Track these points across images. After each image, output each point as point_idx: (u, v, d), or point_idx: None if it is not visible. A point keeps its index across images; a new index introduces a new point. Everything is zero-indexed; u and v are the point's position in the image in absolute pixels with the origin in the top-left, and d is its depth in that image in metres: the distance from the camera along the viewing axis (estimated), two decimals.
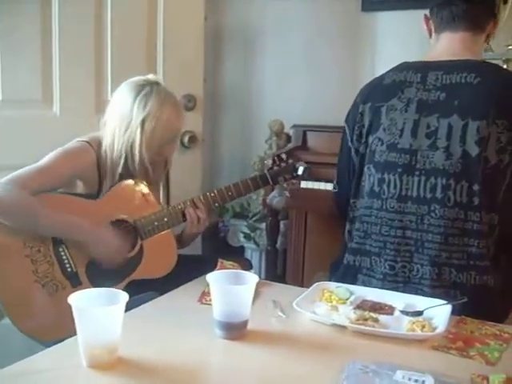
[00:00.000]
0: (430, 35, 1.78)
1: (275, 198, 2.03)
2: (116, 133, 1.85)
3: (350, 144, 1.79)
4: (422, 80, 1.65)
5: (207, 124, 3.08)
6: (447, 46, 1.71)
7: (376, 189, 1.67)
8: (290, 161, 1.96)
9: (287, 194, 2.00)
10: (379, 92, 1.73)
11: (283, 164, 1.95)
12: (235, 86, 3.44)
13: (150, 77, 1.93)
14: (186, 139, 2.69)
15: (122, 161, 1.86)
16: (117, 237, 1.80)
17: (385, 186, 1.65)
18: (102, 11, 2.48)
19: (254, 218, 3.16)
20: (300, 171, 1.94)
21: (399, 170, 1.63)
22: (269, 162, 1.96)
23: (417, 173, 1.61)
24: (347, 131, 1.81)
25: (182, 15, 2.65)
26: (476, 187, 1.56)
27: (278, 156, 1.97)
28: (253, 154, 3.25)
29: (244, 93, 3.43)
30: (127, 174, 1.89)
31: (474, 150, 1.55)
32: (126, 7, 2.52)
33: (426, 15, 1.77)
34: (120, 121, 1.85)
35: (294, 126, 2.90)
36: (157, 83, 1.89)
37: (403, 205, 1.62)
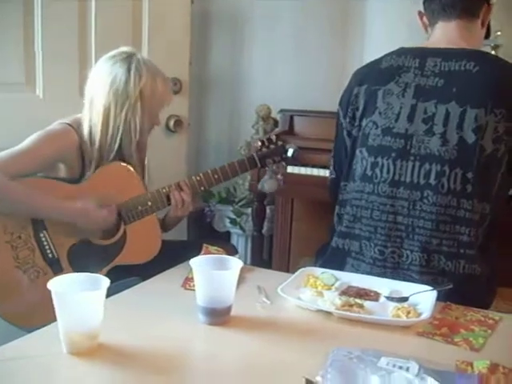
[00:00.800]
0: (426, 30, 1.77)
1: (266, 181, 1.99)
2: (111, 111, 1.81)
3: (344, 126, 1.78)
4: (420, 66, 1.64)
5: (193, 108, 3.05)
6: (443, 34, 1.70)
7: (368, 173, 1.66)
8: (280, 142, 1.93)
9: (279, 177, 1.97)
10: (376, 75, 1.71)
11: (272, 146, 1.93)
12: (222, 70, 3.41)
13: (126, 48, 1.89)
14: (171, 123, 2.67)
15: (118, 139, 1.82)
16: (98, 206, 1.77)
17: (377, 170, 1.64)
18: None
19: (240, 204, 3.15)
20: (290, 153, 1.92)
21: (393, 154, 1.62)
22: (257, 143, 1.93)
23: (411, 158, 1.60)
24: (340, 113, 1.79)
25: None
26: (470, 175, 1.55)
27: (268, 138, 1.94)
28: (240, 138, 3.24)
29: (231, 77, 3.40)
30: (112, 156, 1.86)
31: (470, 138, 1.55)
32: None
33: (419, 12, 1.77)
34: (114, 98, 1.80)
35: (282, 111, 2.88)
36: (136, 53, 1.87)
37: (395, 190, 1.61)
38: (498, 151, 1.56)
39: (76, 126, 1.83)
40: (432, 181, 1.57)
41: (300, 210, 2.82)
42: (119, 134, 1.82)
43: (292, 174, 2.47)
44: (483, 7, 1.70)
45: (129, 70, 1.81)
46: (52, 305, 1.15)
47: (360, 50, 3.04)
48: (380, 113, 1.66)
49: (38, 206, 1.74)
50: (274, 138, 1.93)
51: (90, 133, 1.83)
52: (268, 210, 2.92)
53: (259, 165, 1.92)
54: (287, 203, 2.83)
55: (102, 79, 1.83)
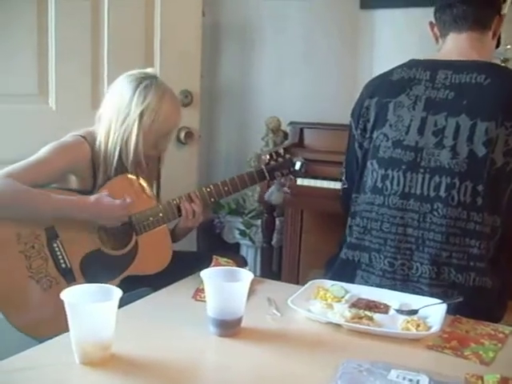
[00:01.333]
0: (437, 41, 1.78)
1: (273, 193, 2.01)
2: (112, 125, 1.84)
3: (356, 138, 1.78)
4: (431, 78, 1.65)
5: (204, 120, 3.07)
6: (454, 46, 1.70)
7: (379, 185, 1.67)
8: (288, 156, 1.96)
9: (286, 189, 1.99)
10: (387, 87, 1.72)
11: (280, 159, 1.95)
12: (232, 82, 3.43)
13: (149, 70, 1.93)
14: (182, 135, 2.68)
15: (117, 154, 1.84)
16: (111, 198, 1.78)
17: (388, 183, 1.65)
18: (99, 5, 2.46)
19: (249, 215, 3.16)
20: (297, 166, 1.94)
21: (403, 166, 1.63)
22: (266, 157, 1.95)
23: (421, 170, 1.61)
24: (353, 125, 1.80)
25: (180, 11, 2.64)
26: (480, 188, 1.55)
27: (276, 151, 1.96)
28: (249, 150, 3.24)
29: (241, 89, 3.42)
30: (121, 169, 1.88)
31: (481, 151, 1.55)
32: (124, 1, 2.51)
33: (430, 22, 1.77)
34: (117, 113, 1.84)
35: (291, 123, 2.89)
36: (156, 77, 1.89)
37: (405, 202, 1.62)
38: (509, 165, 1.56)
39: (89, 139, 1.86)
40: (442, 193, 1.58)
41: (309, 222, 2.82)
42: (116, 151, 1.84)
43: (302, 186, 2.48)
44: (495, 18, 1.71)
45: (136, 89, 1.83)
46: (64, 315, 1.16)
47: (370, 61, 3.05)
48: (391, 125, 1.67)
49: (53, 202, 1.74)
50: (281, 151, 1.96)
51: (100, 145, 1.86)
52: (277, 222, 2.93)
53: (268, 177, 1.95)
54: (297, 215, 2.84)
55: (113, 94, 1.88)
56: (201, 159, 2.96)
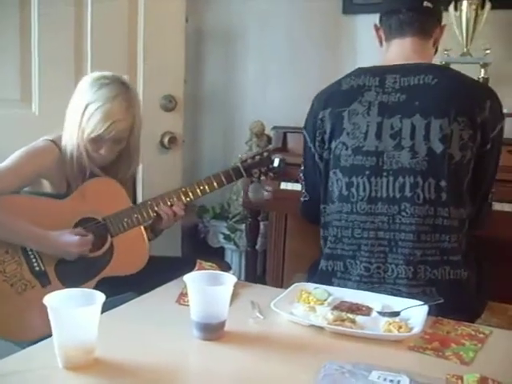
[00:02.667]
0: (381, 43, 1.81)
1: (251, 189, 2.01)
2: (70, 122, 1.85)
3: (313, 151, 1.80)
4: (380, 84, 1.68)
5: (188, 125, 3.07)
6: (398, 51, 1.74)
7: (345, 193, 1.68)
8: (266, 153, 1.96)
9: (268, 188, 1.99)
10: (338, 97, 1.74)
11: (258, 156, 1.96)
12: (216, 87, 3.44)
13: (118, 75, 1.91)
14: (166, 140, 2.69)
15: (75, 152, 1.83)
16: (71, 235, 1.77)
17: (353, 190, 1.66)
18: (82, 11, 2.46)
19: (234, 219, 3.17)
20: (276, 163, 1.95)
21: (367, 172, 1.65)
22: (243, 155, 1.97)
23: (385, 174, 1.63)
24: (307, 138, 1.82)
25: (163, 16, 2.65)
26: (443, 183, 1.59)
27: (256, 151, 1.98)
28: (233, 155, 3.24)
29: (225, 94, 3.43)
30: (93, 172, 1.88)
31: (438, 148, 1.59)
32: (107, 7, 2.51)
33: (375, 25, 1.81)
34: (71, 107, 1.86)
35: (275, 128, 2.90)
36: (121, 81, 1.87)
37: (374, 206, 1.64)
38: (465, 157, 1.61)
39: (59, 143, 1.86)
40: (407, 193, 1.61)
41: (294, 226, 2.84)
42: (74, 148, 1.84)
43: (286, 190, 2.49)
44: (437, 28, 1.76)
45: (92, 84, 1.83)
46: (40, 318, 1.16)
47: (352, 65, 2.99)
48: (348, 133, 1.68)
49: (16, 231, 1.75)
50: (260, 150, 1.96)
51: (66, 146, 1.86)
52: (262, 226, 2.93)
53: (244, 174, 1.95)
54: (281, 219, 2.85)
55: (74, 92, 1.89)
56: (185, 164, 2.97)
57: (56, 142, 1.86)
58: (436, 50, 1.84)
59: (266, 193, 1.99)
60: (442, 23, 1.78)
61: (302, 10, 3.18)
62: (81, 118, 1.81)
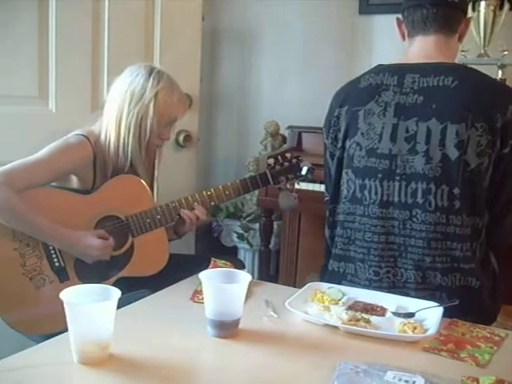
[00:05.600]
0: (404, 38, 1.76)
1: (283, 199, 1.95)
2: (124, 108, 1.84)
3: (326, 147, 1.79)
4: (398, 83, 1.64)
5: (203, 123, 3.08)
6: (421, 48, 1.69)
7: (358, 195, 1.66)
8: (294, 160, 1.93)
9: (294, 194, 1.95)
10: (356, 95, 1.71)
11: (286, 163, 1.93)
12: (232, 86, 3.45)
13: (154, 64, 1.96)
14: (181, 138, 2.69)
15: (131, 137, 1.84)
16: (93, 237, 1.77)
17: (366, 192, 1.64)
18: (99, 9, 2.47)
19: (247, 218, 3.17)
20: (304, 171, 1.91)
21: (379, 175, 1.62)
22: (270, 160, 1.92)
23: (397, 178, 1.60)
24: (324, 134, 1.80)
25: (180, 15, 2.66)
26: (456, 191, 1.55)
27: (282, 155, 1.93)
28: (248, 154, 3.26)
29: (240, 93, 3.44)
30: (120, 169, 1.89)
31: (453, 154, 1.55)
32: (124, 5, 2.52)
33: (398, 19, 1.76)
34: (130, 96, 1.84)
35: (290, 127, 2.90)
36: (160, 68, 1.93)
37: (385, 210, 1.62)
38: (483, 165, 1.56)
39: (91, 138, 1.86)
40: (419, 199, 1.57)
41: (307, 226, 2.83)
42: (130, 135, 1.84)
43: (300, 190, 2.48)
44: (462, 22, 1.70)
45: (150, 74, 1.86)
46: (57, 313, 1.17)
47: (368, 66, 3.01)
48: (362, 133, 1.65)
49: (40, 228, 1.75)
50: (288, 155, 1.92)
51: (105, 139, 1.86)
52: (275, 226, 2.94)
53: (271, 182, 1.92)
54: (294, 219, 2.85)
55: (123, 80, 1.88)
56: (199, 162, 2.98)
57: (89, 138, 1.86)
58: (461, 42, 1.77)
59: (295, 200, 1.94)
60: (467, 16, 1.71)
61: (318, 9, 3.18)
62: (153, 106, 1.83)
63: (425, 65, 1.64)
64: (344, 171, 1.71)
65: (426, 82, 1.61)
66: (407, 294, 1.58)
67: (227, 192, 1.91)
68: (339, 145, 1.73)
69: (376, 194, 1.62)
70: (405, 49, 1.76)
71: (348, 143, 1.69)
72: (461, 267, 1.57)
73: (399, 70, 1.66)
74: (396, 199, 1.60)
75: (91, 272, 1.79)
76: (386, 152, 1.61)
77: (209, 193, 1.90)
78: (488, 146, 1.55)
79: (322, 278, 1.80)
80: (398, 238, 1.61)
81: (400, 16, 1.75)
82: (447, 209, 1.56)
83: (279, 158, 1.93)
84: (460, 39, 1.74)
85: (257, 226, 3.02)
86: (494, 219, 1.64)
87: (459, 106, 1.56)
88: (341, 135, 1.72)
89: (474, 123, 1.54)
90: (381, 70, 1.70)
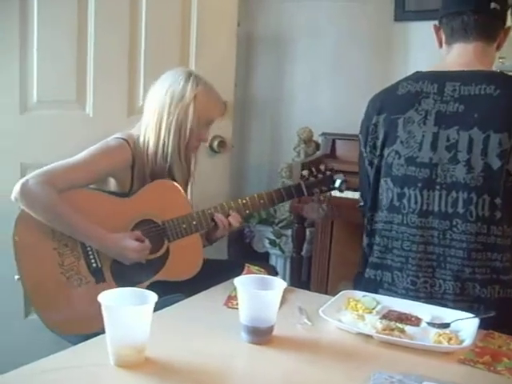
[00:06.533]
0: (441, 45, 1.74)
1: (311, 210, 1.97)
2: (165, 109, 1.87)
3: (364, 155, 1.77)
4: (438, 91, 1.62)
5: (236, 129, 3.09)
6: (460, 55, 1.67)
7: (396, 203, 1.65)
8: (328, 172, 1.94)
9: (324, 206, 1.96)
10: (394, 103, 1.70)
11: (320, 175, 1.94)
12: (265, 92, 3.46)
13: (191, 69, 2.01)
14: (215, 144, 2.71)
15: (171, 139, 1.87)
16: (130, 239, 1.79)
17: (405, 201, 1.63)
18: (136, 14, 2.51)
19: (280, 225, 3.17)
20: (337, 184, 1.92)
21: (419, 184, 1.61)
22: (305, 172, 1.93)
23: (437, 187, 1.59)
24: (361, 142, 1.78)
25: (216, 20, 2.68)
26: (498, 201, 1.53)
27: (316, 167, 1.94)
28: (281, 160, 3.27)
29: (274, 99, 3.44)
30: (158, 173, 1.91)
31: (495, 163, 1.53)
32: (160, 12, 2.55)
33: (435, 25, 1.74)
34: (170, 97, 1.88)
35: (323, 134, 2.90)
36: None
37: (425, 220, 1.60)
38: None
39: (130, 141, 1.89)
40: (460, 209, 1.56)
41: (340, 233, 2.82)
42: (170, 138, 1.87)
43: (333, 197, 2.48)
44: (501, 31, 1.68)
45: (189, 77, 1.90)
46: (92, 313, 1.19)
47: (403, 73, 3.01)
48: (402, 142, 1.64)
49: (78, 229, 1.78)
50: (322, 167, 1.93)
51: (144, 141, 1.89)
52: (308, 232, 2.93)
53: (305, 194, 1.94)
54: (327, 226, 2.84)
55: (162, 84, 1.92)
56: (233, 168, 2.99)
57: (128, 141, 1.89)
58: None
59: (323, 212, 1.95)
60: (506, 25, 1.70)
61: (352, 16, 3.18)
62: (193, 108, 1.87)
63: (464, 72, 1.62)
64: (383, 179, 1.70)
65: (467, 90, 1.59)
66: (445, 305, 1.56)
67: (262, 201, 1.93)
68: (377, 153, 1.72)
69: (416, 203, 1.61)
70: (442, 55, 1.74)
71: (386, 151, 1.68)
72: (500, 279, 1.55)
73: (439, 78, 1.65)
74: (436, 209, 1.59)
75: (127, 274, 1.81)
76: (427, 161, 1.60)
77: (244, 201, 1.92)
78: None
79: (357, 285, 1.79)
80: (438, 248, 1.59)
81: (437, 23, 1.74)
82: (488, 219, 1.54)
83: (313, 169, 1.94)
84: (498, 48, 1.72)
85: (289, 232, 3.02)
86: None
87: (502, 114, 1.54)
88: (379, 143, 1.70)
89: None
90: (419, 77, 1.69)
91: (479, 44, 1.66)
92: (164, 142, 1.88)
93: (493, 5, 1.62)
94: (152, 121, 1.89)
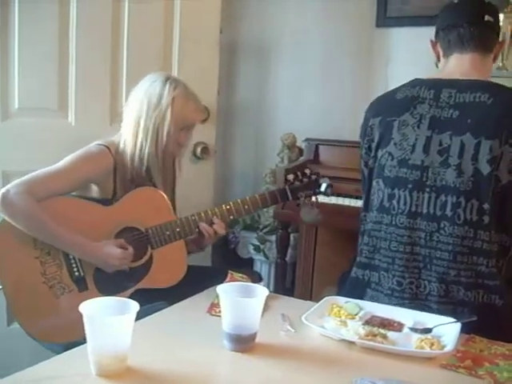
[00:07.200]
0: (439, 59, 1.78)
1: (308, 212, 1.97)
2: (143, 114, 1.87)
3: (362, 157, 1.80)
4: (434, 97, 1.66)
5: (220, 136, 3.10)
6: (457, 65, 1.71)
7: (386, 204, 1.67)
8: (314, 176, 1.95)
9: (315, 208, 1.96)
10: (391, 106, 1.73)
11: (305, 179, 1.94)
12: (249, 98, 3.47)
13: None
14: (198, 150, 2.71)
15: (148, 143, 1.86)
16: (113, 246, 1.79)
17: (395, 202, 1.65)
18: (118, 22, 2.51)
19: (264, 230, 3.17)
20: (323, 188, 1.92)
21: (409, 185, 1.63)
22: (290, 176, 1.94)
23: (427, 189, 1.61)
24: (361, 145, 1.81)
25: (198, 28, 2.68)
26: (486, 206, 1.55)
27: (302, 171, 1.94)
28: (265, 166, 3.27)
29: (257, 106, 3.45)
30: (139, 179, 1.90)
31: (485, 169, 1.55)
32: (142, 19, 2.55)
33: (432, 40, 1.79)
34: (148, 102, 1.87)
35: (307, 140, 2.92)
36: (176, 77, 1.98)
37: (413, 221, 1.62)
38: None
39: (111, 148, 1.88)
40: (448, 212, 1.58)
41: (324, 239, 2.84)
42: (148, 141, 1.86)
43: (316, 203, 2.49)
44: (497, 43, 1.73)
45: (166, 80, 1.90)
46: (75, 322, 1.18)
47: (384, 78, 3.07)
48: (395, 144, 1.67)
49: (60, 238, 1.77)
50: (307, 171, 1.94)
51: (123, 146, 1.88)
52: (292, 238, 2.94)
53: (290, 198, 1.93)
54: (311, 231, 2.85)
55: (141, 87, 1.92)
56: (217, 174, 2.99)
57: (109, 148, 1.88)
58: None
59: (318, 214, 1.95)
60: (500, 39, 1.75)
61: (335, 22, 3.20)
62: (171, 111, 1.86)
63: (461, 81, 1.66)
64: (375, 181, 1.72)
65: (462, 97, 1.62)
66: (429, 307, 1.58)
67: (246, 206, 1.92)
68: (372, 154, 1.74)
69: (405, 204, 1.63)
70: (440, 68, 1.78)
71: (380, 153, 1.71)
72: (485, 283, 1.57)
73: (436, 85, 1.68)
74: (425, 210, 1.61)
75: (110, 282, 1.80)
76: (418, 163, 1.63)
77: (228, 207, 1.92)
78: None
79: (341, 286, 1.80)
80: (424, 250, 1.61)
81: (433, 38, 1.78)
82: (476, 223, 1.56)
83: (298, 174, 1.94)
84: (494, 59, 1.76)
85: (273, 238, 3.03)
86: None
87: (494, 122, 1.57)
88: (374, 145, 1.73)
89: (508, 140, 1.55)
90: (417, 83, 1.72)
91: (476, 55, 1.70)
92: (141, 145, 1.87)
93: (486, 17, 1.68)
94: (130, 124, 1.89)
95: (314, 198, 1.96)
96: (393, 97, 1.74)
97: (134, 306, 1.19)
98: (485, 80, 1.67)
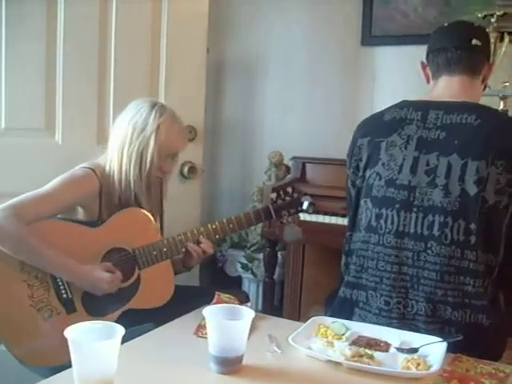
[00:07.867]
0: (428, 81, 1.81)
1: (288, 231, 1.98)
2: (127, 139, 1.88)
3: (348, 176, 1.81)
4: (422, 118, 1.67)
5: (207, 155, 3.10)
6: (446, 87, 1.73)
7: (373, 223, 1.68)
8: (296, 195, 1.96)
9: (296, 227, 1.98)
10: (379, 127, 1.75)
11: (288, 198, 1.96)
12: (236, 117, 3.48)
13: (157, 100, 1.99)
14: (185, 170, 2.71)
15: (131, 168, 1.87)
16: (102, 270, 1.78)
17: (382, 221, 1.66)
18: (105, 41, 2.52)
19: (251, 249, 3.17)
20: (305, 206, 1.94)
21: (397, 205, 1.64)
22: (273, 195, 1.95)
23: (415, 209, 1.62)
24: (347, 164, 1.83)
25: (185, 47, 2.69)
26: (473, 226, 1.56)
27: (284, 189, 1.96)
28: (252, 184, 3.28)
29: (244, 124, 3.47)
30: (126, 201, 1.90)
31: (472, 190, 1.56)
32: (129, 38, 2.56)
33: (422, 62, 1.81)
34: (133, 127, 1.88)
35: (294, 158, 2.93)
36: (163, 103, 1.98)
37: (400, 240, 1.63)
38: (501, 203, 1.57)
39: (97, 171, 1.89)
40: (435, 232, 1.59)
41: (311, 257, 2.84)
42: (131, 166, 1.87)
43: (304, 221, 2.49)
44: (485, 65, 1.76)
45: (153, 107, 1.90)
46: (63, 345, 1.17)
47: (370, 97, 3.10)
48: (383, 164, 1.69)
49: (49, 261, 1.76)
50: (289, 190, 1.95)
51: (109, 170, 1.89)
52: (279, 256, 2.94)
53: (274, 216, 1.95)
54: (298, 249, 2.85)
55: (126, 114, 1.93)
56: (204, 193, 2.99)
57: (95, 171, 1.88)
58: (484, 88, 1.84)
59: (299, 233, 1.97)
60: (490, 61, 1.78)
61: (321, 41, 3.23)
62: (155, 138, 1.87)
63: (449, 103, 1.68)
64: (362, 200, 1.73)
65: (449, 118, 1.64)
66: (416, 327, 1.59)
67: (231, 225, 1.93)
68: (360, 174, 1.76)
69: (392, 223, 1.64)
70: (430, 89, 1.80)
71: (368, 173, 1.72)
72: (472, 303, 1.58)
73: (423, 106, 1.70)
74: (412, 230, 1.62)
75: (98, 304, 1.79)
76: (406, 183, 1.64)
77: (214, 226, 1.92)
78: (508, 184, 1.57)
79: (329, 305, 1.81)
80: (411, 270, 1.62)
81: (424, 60, 1.81)
82: (463, 243, 1.57)
83: (281, 192, 1.96)
84: (483, 81, 1.79)
85: (261, 256, 3.02)
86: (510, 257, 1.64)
87: (481, 143, 1.59)
88: (362, 165, 1.75)
89: (494, 161, 1.56)
90: (405, 105, 1.74)
91: (464, 77, 1.72)
92: (126, 171, 1.88)
93: (474, 41, 1.70)
94: (115, 149, 1.90)
95: (295, 217, 1.97)
96: (381, 118, 1.76)
97: (120, 330, 1.18)
98: (472, 102, 1.69)
